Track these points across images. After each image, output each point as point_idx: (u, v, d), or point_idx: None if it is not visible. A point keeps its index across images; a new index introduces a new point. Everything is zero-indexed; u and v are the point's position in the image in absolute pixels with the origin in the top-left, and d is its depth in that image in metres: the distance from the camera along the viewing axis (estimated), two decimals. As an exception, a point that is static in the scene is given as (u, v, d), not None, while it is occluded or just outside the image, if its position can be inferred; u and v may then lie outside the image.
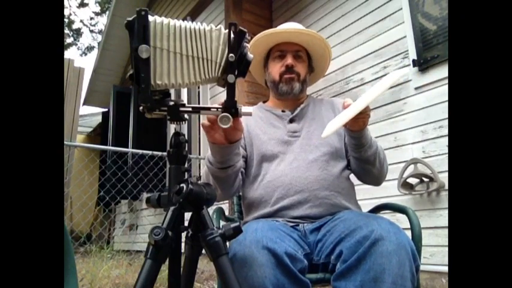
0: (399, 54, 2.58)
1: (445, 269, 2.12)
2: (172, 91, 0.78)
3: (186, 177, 0.78)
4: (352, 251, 0.88)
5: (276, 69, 1.28)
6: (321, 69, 1.40)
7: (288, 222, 1.11)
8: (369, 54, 2.79)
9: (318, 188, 1.13)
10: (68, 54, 14.45)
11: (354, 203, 1.20)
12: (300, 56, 1.29)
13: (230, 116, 0.76)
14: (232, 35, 0.72)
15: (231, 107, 0.76)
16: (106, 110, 6.40)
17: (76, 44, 14.08)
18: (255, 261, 0.86)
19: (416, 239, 1.01)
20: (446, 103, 2.23)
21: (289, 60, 1.26)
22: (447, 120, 2.18)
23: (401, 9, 2.59)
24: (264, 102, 1.40)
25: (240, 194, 1.45)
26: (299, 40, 1.29)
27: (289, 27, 1.30)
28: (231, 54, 0.72)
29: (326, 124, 1.16)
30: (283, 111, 1.30)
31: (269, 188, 1.15)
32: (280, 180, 1.15)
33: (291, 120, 1.26)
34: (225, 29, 0.74)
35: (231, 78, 0.73)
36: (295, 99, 1.31)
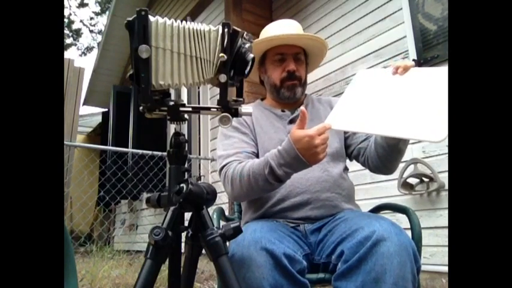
0: (399, 54, 2.58)
1: (445, 269, 2.12)
2: (172, 91, 0.78)
3: (186, 177, 0.78)
4: (354, 251, 0.87)
5: (276, 73, 1.25)
6: (315, 64, 1.38)
7: (289, 223, 1.10)
8: (369, 54, 2.79)
9: (320, 190, 1.12)
10: (68, 54, 14.44)
11: (353, 204, 1.20)
12: (300, 58, 1.26)
13: (230, 116, 0.76)
14: (226, 35, 0.73)
15: (223, 106, 0.76)
16: (106, 110, 6.39)
17: (75, 45, 14.10)
18: (253, 262, 0.86)
19: (417, 239, 1.01)
20: (446, 103, 2.22)
21: (291, 65, 1.23)
22: (447, 120, 2.18)
23: (401, 9, 2.59)
24: (262, 99, 1.38)
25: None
26: (301, 43, 1.26)
27: (287, 29, 1.26)
28: (221, 54, 0.72)
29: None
30: (282, 111, 1.28)
31: None
32: None
33: (291, 121, 1.25)
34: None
35: (222, 77, 0.73)
36: (295, 101, 1.30)
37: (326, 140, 0.92)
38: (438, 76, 0.94)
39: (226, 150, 1.16)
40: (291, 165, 0.95)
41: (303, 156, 0.92)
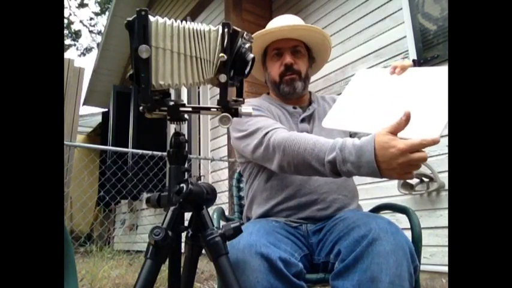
0: (399, 54, 2.58)
1: (445, 269, 2.12)
2: (172, 91, 0.78)
3: (186, 177, 0.78)
4: (350, 250, 0.87)
5: (275, 69, 1.22)
6: (323, 58, 1.33)
7: (291, 223, 1.10)
8: (369, 54, 2.79)
9: (327, 191, 1.12)
10: (67, 54, 14.45)
11: (357, 205, 1.20)
12: (299, 50, 1.22)
13: (230, 116, 0.76)
14: (226, 35, 0.73)
15: (223, 106, 0.76)
16: (106, 110, 6.40)
17: (75, 45, 14.10)
18: (248, 266, 0.85)
19: (417, 239, 1.01)
20: (446, 103, 2.22)
21: (287, 59, 1.19)
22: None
23: (401, 9, 2.59)
24: (268, 93, 1.34)
25: (241, 191, 1.45)
26: (295, 35, 1.22)
27: (283, 22, 1.23)
28: (221, 54, 0.72)
29: None
30: (294, 107, 1.24)
31: (278, 186, 1.13)
32: (290, 180, 1.12)
33: (302, 120, 1.22)
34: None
35: (222, 77, 0.73)
36: (299, 97, 1.27)
37: (418, 161, 0.76)
38: (435, 75, 0.94)
39: (260, 122, 1.07)
40: (359, 167, 0.82)
41: (378, 165, 0.79)
